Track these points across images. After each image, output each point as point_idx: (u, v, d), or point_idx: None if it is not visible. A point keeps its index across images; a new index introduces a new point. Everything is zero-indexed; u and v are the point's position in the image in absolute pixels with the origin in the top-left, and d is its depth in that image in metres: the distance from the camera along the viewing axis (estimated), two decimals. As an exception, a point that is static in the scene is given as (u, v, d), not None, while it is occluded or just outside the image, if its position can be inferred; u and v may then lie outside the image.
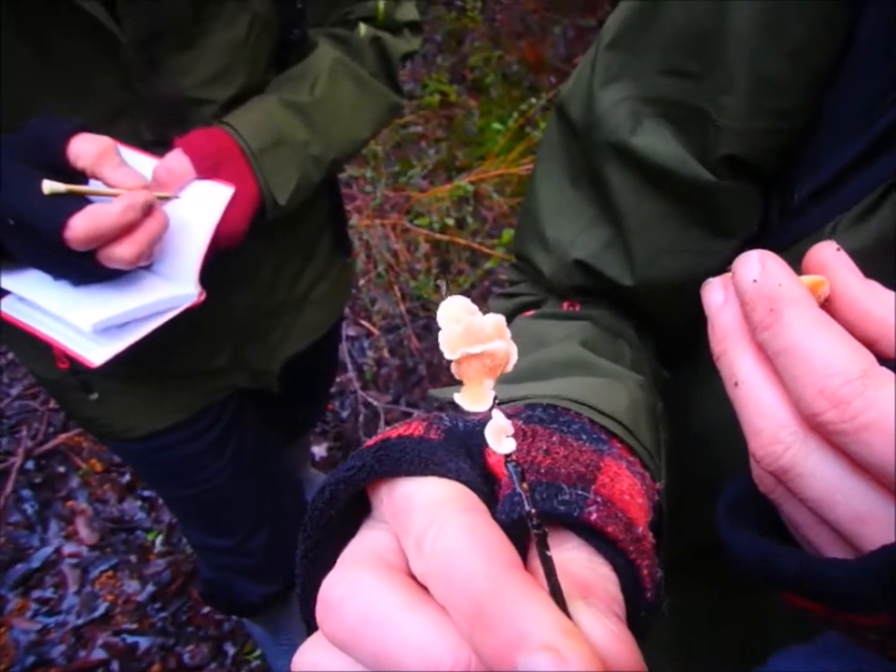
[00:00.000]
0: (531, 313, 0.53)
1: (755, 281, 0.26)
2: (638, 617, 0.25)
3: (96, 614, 1.67)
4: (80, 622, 1.65)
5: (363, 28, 0.87)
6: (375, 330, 2.23)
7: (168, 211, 0.66)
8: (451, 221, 2.36)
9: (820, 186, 0.39)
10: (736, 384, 0.27)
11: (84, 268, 0.61)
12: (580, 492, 0.25)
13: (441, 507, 0.21)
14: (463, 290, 2.30)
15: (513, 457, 0.22)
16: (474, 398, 0.22)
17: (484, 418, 0.29)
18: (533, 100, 2.52)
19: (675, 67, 0.41)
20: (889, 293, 0.26)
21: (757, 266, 0.27)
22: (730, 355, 0.27)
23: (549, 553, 0.20)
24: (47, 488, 1.83)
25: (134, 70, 0.67)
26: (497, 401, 0.22)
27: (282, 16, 0.78)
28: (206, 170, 0.70)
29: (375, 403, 2.05)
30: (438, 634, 0.19)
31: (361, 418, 2.03)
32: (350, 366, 2.13)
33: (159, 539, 1.77)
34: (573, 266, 0.49)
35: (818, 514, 0.25)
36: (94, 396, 0.84)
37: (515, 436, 0.26)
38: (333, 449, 2.00)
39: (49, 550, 1.74)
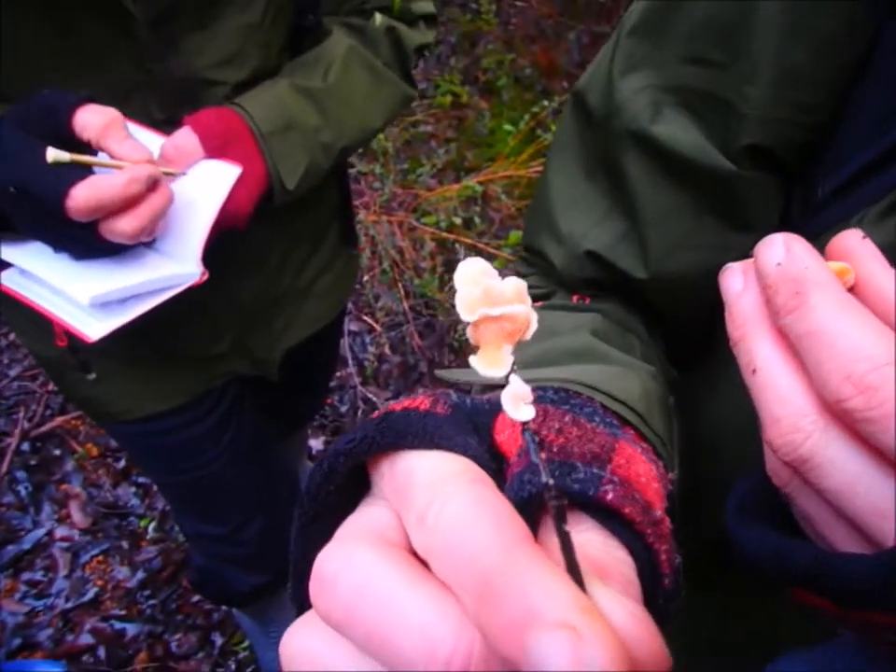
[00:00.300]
0: (539, 304, 0.52)
1: (779, 264, 0.26)
2: (656, 605, 0.24)
3: (85, 599, 1.66)
4: (69, 606, 1.65)
5: (378, 18, 0.86)
6: (377, 327, 2.22)
7: (174, 188, 0.65)
8: (458, 221, 2.35)
9: (844, 182, 0.38)
10: (754, 370, 0.26)
11: (85, 240, 0.60)
12: (595, 470, 0.23)
13: (446, 480, 0.20)
14: (467, 291, 2.30)
15: (531, 426, 0.21)
16: (491, 362, 0.21)
17: (494, 397, 0.29)
18: (545, 103, 2.51)
19: (698, 56, 0.40)
20: None
21: (781, 249, 0.26)
22: (748, 340, 0.26)
23: (566, 528, 0.19)
24: (41, 470, 1.82)
25: (148, 48, 0.67)
26: (515, 367, 0.21)
27: (297, 1, 0.78)
28: (214, 149, 0.69)
29: (375, 399, 2.04)
30: (439, 613, 0.18)
31: (360, 413, 2.03)
32: (351, 361, 2.13)
33: (151, 526, 1.76)
34: (585, 258, 0.48)
35: (835, 507, 0.24)
36: (92, 376, 0.83)
37: None
38: (331, 443, 1.99)
39: (40, 532, 1.73)
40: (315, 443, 1.95)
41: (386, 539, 0.21)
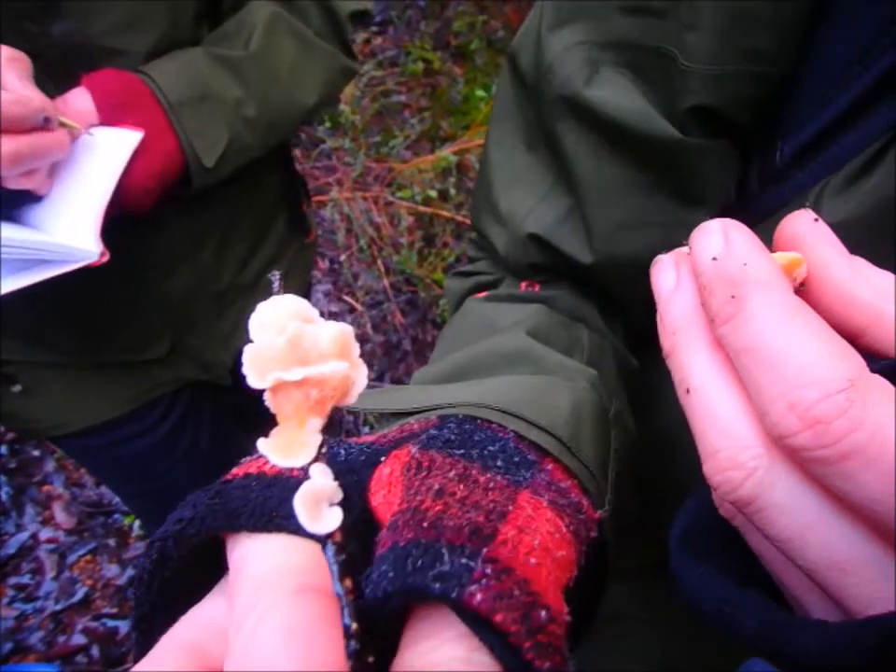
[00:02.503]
0: (484, 294, 0.48)
1: (715, 259, 0.21)
2: None
3: (75, 599, 1.64)
4: (59, 607, 1.63)
5: None
6: (358, 306, 2.18)
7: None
8: (434, 193, 2.29)
9: (807, 143, 0.33)
10: (688, 390, 0.21)
11: None
12: (464, 560, 0.19)
13: (269, 586, 0.17)
14: (447, 264, 2.25)
15: (337, 538, 0.16)
16: (288, 444, 0.16)
17: (381, 440, 0.24)
18: (518, 66, 2.43)
19: (636, 4, 0.35)
20: (878, 273, 0.21)
21: (718, 239, 0.21)
22: (680, 353, 0.22)
23: None
24: (21, 473, 1.79)
25: (26, 9, 0.59)
26: (322, 452, 0.16)
27: None
28: (109, 108, 0.62)
29: (358, 381, 2.01)
30: None
31: (344, 397, 2.00)
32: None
33: (137, 523, 1.74)
34: (528, 241, 0.44)
35: (787, 556, 0.20)
36: (17, 388, 0.77)
37: (408, 468, 0.21)
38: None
39: (24, 535, 1.70)
40: (300, 429, 1.93)
41: (204, 656, 0.18)
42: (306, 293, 1.05)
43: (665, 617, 0.49)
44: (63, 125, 0.58)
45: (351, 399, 0.17)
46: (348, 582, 0.16)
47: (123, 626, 1.63)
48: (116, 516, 1.77)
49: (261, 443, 0.16)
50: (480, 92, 2.58)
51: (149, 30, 0.66)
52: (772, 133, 0.37)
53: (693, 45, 0.33)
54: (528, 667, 0.18)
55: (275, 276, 0.19)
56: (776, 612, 0.19)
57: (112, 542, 1.73)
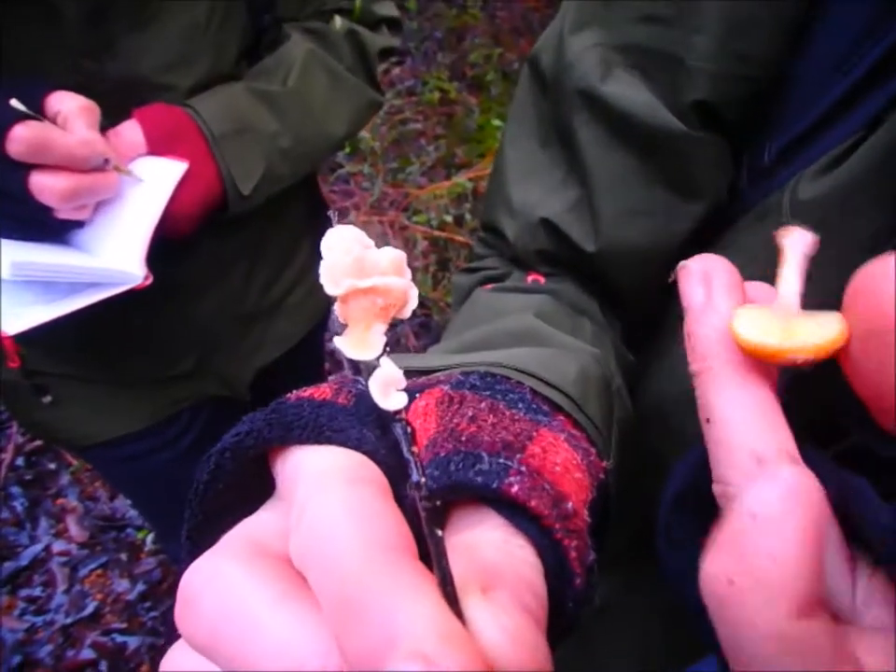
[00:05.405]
0: (490, 286, 0.50)
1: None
2: (566, 608, 0.22)
3: (85, 613, 1.65)
4: (69, 621, 1.64)
5: (338, 21, 0.84)
6: (372, 328, 2.20)
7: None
8: (449, 218, 2.33)
9: (791, 141, 0.36)
10: (708, 420, 0.21)
11: (14, 188, 0.56)
12: (501, 461, 0.21)
13: (327, 478, 0.19)
14: (461, 288, 2.28)
15: (403, 416, 0.19)
16: (359, 342, 0.19)
17: (410, 384, 0.27)
18: (533, 96, 2.49)
19: (648, 14, 0.39)
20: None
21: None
22: (705, 382, 0.21)
23: (439, 534, 0.17)
24: (37, 485, 1.82)
25: (84, 49, 0.64)
26: (387, 349, 0.19)
27: (249, 1, 0.75)
28: (158, 141, 0.67)
29: (370, 402, 2.02)
30: (304, 632, 0.16)
31: (356, 417, 2.01)
32: (346, 364, 2.11)
33: (149, 538, 1.75)
34: (538, 226, 0.46)
35: None
36: (48, 399, 0.80)
37: (441, 402, 0.24)
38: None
39: (38, 548, 1.72)
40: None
41: (264, 548, 0.19)
42: (325, 315, 1.08)
43: (645, 606, 0.50)
44: (117, 169, 0.64)
45: (406, 314, 0.20)
46: (415, 449, 0.18)
47: (132, 642, 1.64)
48: (128, 531, 1.78)
49: (337, 339, 0.19)
50: (496, 122, 2.64)
51: (196, 68, 0.71)
52: (761, 135, 0.40)
53: (697, 44, 0.37)
54: (558, 546, 0.20)
55: (333, 213, 0.22)
56: None
57: (124, 557, 1.74)
